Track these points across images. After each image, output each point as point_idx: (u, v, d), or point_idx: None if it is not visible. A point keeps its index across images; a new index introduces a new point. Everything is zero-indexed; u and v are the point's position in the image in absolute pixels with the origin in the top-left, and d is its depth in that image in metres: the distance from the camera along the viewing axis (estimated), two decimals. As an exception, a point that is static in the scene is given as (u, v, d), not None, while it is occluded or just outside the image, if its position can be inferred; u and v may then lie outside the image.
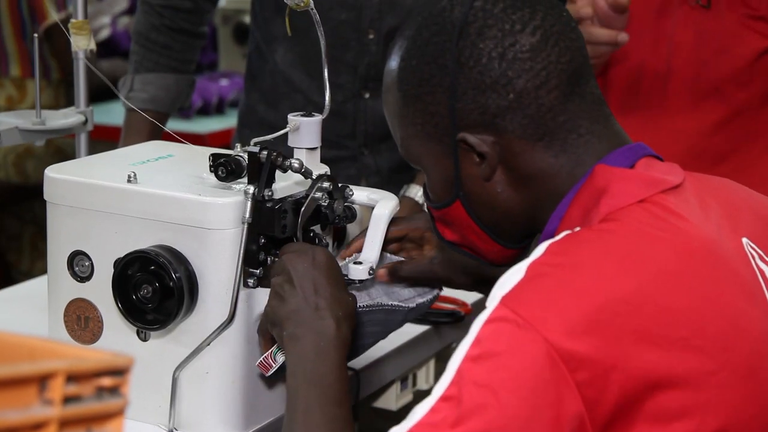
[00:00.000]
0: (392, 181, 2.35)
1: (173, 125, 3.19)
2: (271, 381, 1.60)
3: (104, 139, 3.02)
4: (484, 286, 1.66)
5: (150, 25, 2.38)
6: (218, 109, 3.90)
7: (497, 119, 1.35)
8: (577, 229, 1.30)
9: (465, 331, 2.06)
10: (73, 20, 2.13)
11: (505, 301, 1.21)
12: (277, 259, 1.54)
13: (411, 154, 1.44)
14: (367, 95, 2.33)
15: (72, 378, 0.89)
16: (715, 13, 2.10)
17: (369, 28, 2.29)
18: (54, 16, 3.48)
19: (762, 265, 1.33)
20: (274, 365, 1.52)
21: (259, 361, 1.53)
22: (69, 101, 2.03)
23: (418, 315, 1.70)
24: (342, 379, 1.43)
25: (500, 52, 1.34)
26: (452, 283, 1.68)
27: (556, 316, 1.19)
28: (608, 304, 1.21)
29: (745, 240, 1.34)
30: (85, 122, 2.15)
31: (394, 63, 1.42)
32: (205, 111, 3.88)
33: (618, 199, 1.31)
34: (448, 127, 1.37)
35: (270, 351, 1.52)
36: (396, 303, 1.64)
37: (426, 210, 2.24)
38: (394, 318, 1.64)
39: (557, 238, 1.29)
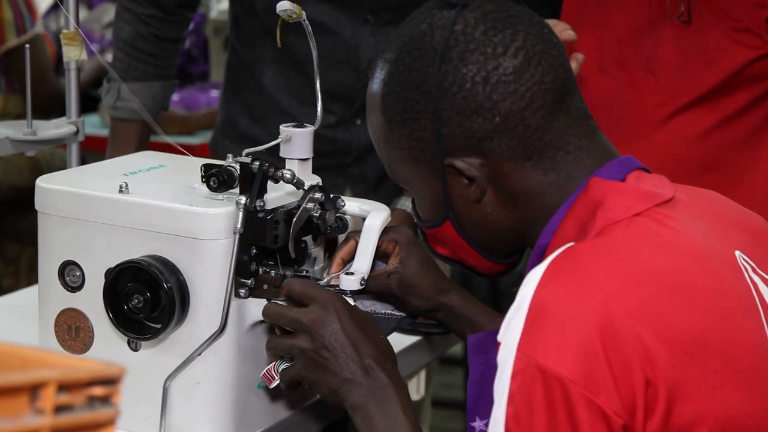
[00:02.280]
0: (378, 188, 2.35)
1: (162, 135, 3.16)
2: (263, 392, 1.60)
3: (92, 149, 3.03)
4: (437, 314, 1.66)
5: (136, 34, 2.34)
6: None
7: (484, 142, 1.35)
8: (571, 244, 1.29)
9: (454, 342, 2.08)
10: (64, 31, 2.14)
11: (522, 349, 1.21)
12: (282, 297, 1.52)
13: (398, 175, 1.44)
14: (358, 122, 2.33)
15: (63, 387, 0.88)
16: (698, 28, 2.10)
17: (367, 69, 2.28)
18: (13, 40, 3.57)
19: (755, 278, 1.33)
20: (277, 377, 1.52)
21: (263, 372, 1.53)
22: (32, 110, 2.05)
23: (409, 323, 1.70)
24: (415, 428, 1.43)
25: (483, 76, 1.34)
26: (406, 304, 1.65)
27: (573, 354, 1.19)
28: (616, 324, 1.20)
29: (738, 253, 1.34)
30: (77, 132, 2.16)
31: (376, 86, 1.42)
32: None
33: (614, 212, 1.31)
34: (435, 151, 1.37)
35: (273, 364, 1.52)
36: (389, 311, 1.65)
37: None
38: (387, 326, 1.65)
39: (553, 256, 1.27)
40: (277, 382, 1.52)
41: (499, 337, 1.24)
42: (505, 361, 1.22)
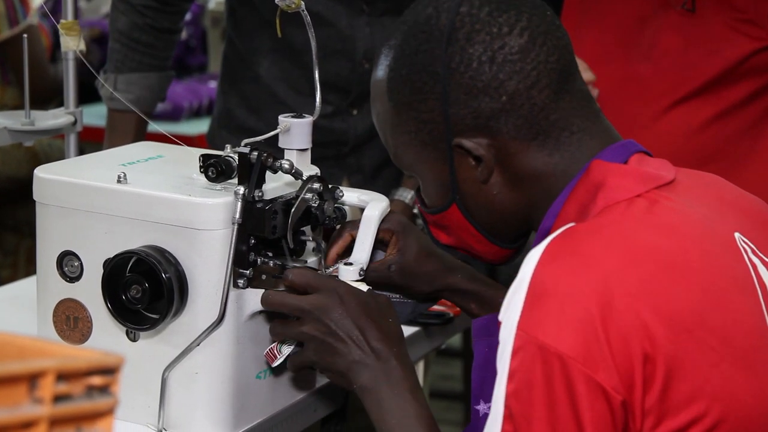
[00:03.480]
0: (375, 178, 2.35)
1: (163, 126, 3.18)
2: (261, 382, 1.60)
3: (90, 140, 3.03)
4: (443, 294, 1.66)
5: (132, 24, 2.33)
6: (209, 110, 3.90)
7: (491, 122, 1.36)
8: (572, 224, 1.30)
9: (454, 332, 2.08)
10: (62, 21, 2.13)
11: (522, 326, 1.22)
12: (280, 275, 1.52)
13: (404, 161, 1.45)
14: (355, 112, 2.33)
15: (62, 377, 0.88)
16: (701, 17, 2.10)
17: (363, 59, 2.28)
18: (6, 32, 3.56)
19: (754, 259, 1.35)
20: (279, 356, 1.52)
21: (266, 351, 1.54)
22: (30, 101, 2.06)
23: (425, 309, 1.71)
24: (425, 413, 1.44)
25: (490, 55, 1.35)
26: (409, 291, 1.66)
27: (572, 331, 1.20)
28: (615, 301, 1.21)
29: (737, 234, 1.35)
30: (74, 123, 2.15)
31: (381, 73, 1.43)
32: (196, 112, 3.88)
33: (615, 193, 1.32)
34: (443, 133, 1.38)
35: (276, 343, 1.53)
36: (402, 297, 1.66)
37: (415, 213, 2.25)
38: (402, 310, 1.66)
39: (553, 236, 1.28)
40: (280, 360, 1.53)
41: (500, 317, 1.25)
42: (506, 339, 1.23)
